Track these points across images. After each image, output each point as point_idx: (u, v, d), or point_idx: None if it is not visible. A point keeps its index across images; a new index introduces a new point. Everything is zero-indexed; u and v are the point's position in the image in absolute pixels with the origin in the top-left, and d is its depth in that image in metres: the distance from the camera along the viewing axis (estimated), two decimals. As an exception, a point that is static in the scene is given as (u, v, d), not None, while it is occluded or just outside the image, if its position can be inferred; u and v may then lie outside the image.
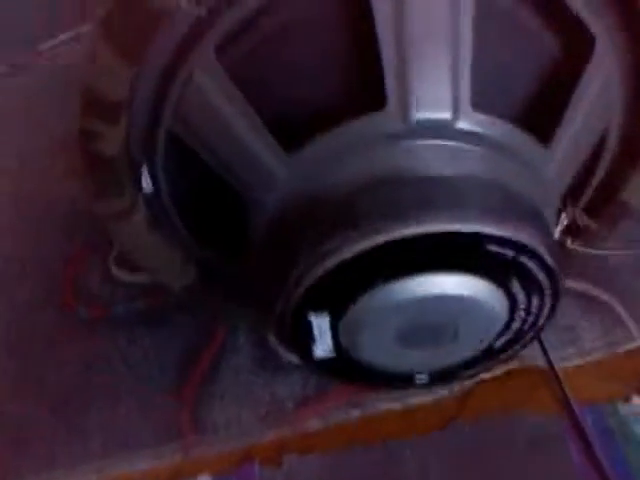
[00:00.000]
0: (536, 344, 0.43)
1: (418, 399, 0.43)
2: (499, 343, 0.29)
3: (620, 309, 0.45)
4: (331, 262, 0.24)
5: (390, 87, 0.25)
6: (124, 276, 0.52)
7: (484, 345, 0.29)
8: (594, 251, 0.36)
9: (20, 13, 0.79)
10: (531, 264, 0.25)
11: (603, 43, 0.28)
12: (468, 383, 0.43)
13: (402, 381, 0.31)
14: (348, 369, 0.30)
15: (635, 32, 0.29)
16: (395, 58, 0.25)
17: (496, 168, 0.26)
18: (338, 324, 0.27)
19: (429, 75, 0.25)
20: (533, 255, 0.24)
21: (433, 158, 0.25)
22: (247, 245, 0.31)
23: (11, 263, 0.54)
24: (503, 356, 0.30)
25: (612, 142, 0.34)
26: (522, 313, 0.27)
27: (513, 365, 0.43)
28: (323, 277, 0.25)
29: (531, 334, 0.29)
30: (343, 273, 0.25)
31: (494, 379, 0.43)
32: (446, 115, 0.25)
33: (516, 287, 0.26)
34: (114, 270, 0.53)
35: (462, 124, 0.26)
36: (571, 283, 0.47)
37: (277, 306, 0.27)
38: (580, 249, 0.35)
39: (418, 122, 0.25)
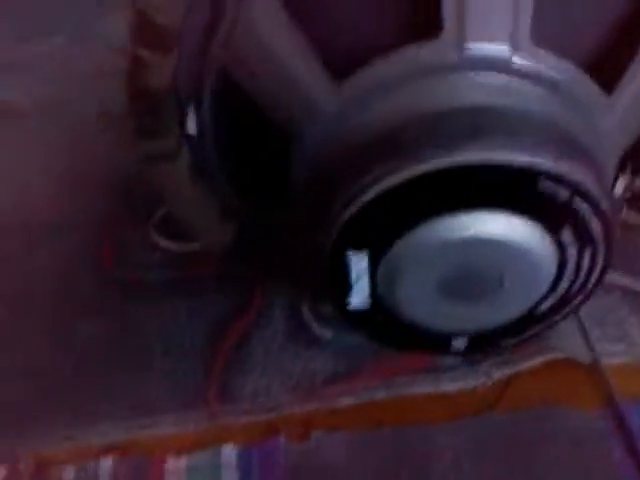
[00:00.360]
0: (579, 337, 0.41)
1: (454, 385, 0.41)
2: (544, 306, 0.27)
3: (673, 305, 0.43)
4: (370, 194, 0.23)
5: (447, 15, 0.24)
6: (163, 242, 0.52)
7: (529, 305, 0.27)
8: None
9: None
10: (586, 209, 0.23)
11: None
12: (506, 372, 0.41)
13: (438, 345, 0.30)
14: (382, 325, 0.29)
15: None
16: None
17: (554, 109, 0.25)
18: (377, 266, 0.25)
19: (489, 4, 0.24)
20: (588, 199, 0.23)
21: (487, 91, 0.24)
22: (288, 189, 0.30)
23: (48, 227, 0.55)
24: (546, 323, 0.28)
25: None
26: (572, 270, 0.26)
27: (554, 356, 0.41)
28: (363, 211, 0.24)
29: (579, 299, 0.27)
30: (384, 208, 0.24)
31: (534, 371, 0.41)
32: (504, 47, 0.24)
33: (567, 236, 0.24)
34: (153, 236, 0.52)
35: (521, 60, 0.24)
36: (619, 278, 0.44)
37: (316, 244, 0.26)
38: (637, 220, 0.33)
39: (474, 54, 0.24)
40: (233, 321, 0.46)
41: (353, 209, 0.24)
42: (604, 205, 0.23)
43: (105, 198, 0.56)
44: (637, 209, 0.33)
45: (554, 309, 0.28)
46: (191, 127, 0.33)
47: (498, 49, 0.24)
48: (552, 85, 0.25)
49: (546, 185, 0.22)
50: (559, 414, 0.39)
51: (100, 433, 0.40)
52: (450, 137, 0.22)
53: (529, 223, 0.24)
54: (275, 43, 0.27)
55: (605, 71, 0.26)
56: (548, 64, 0.25)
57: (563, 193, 0.23)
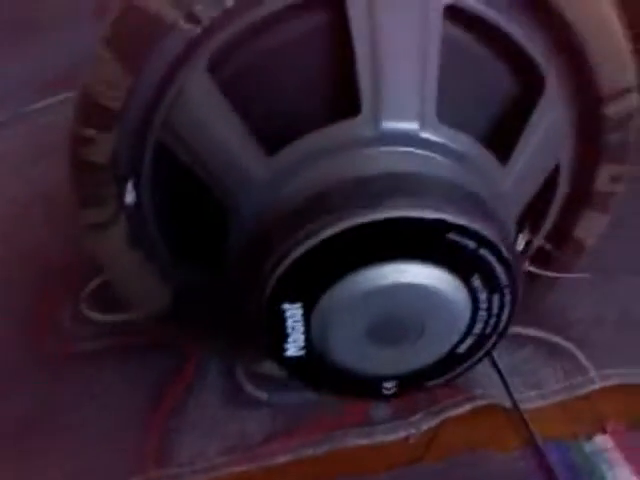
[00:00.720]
0: (501, 386, 0.45)
1: (386, 437, 0.43)
2: (463, 347, 0.30)
3: (580, 355, 0.47)
4: (303, 248, 0.26)
5: (364, 97, 0.28)
6: (95, 316, 0.52)
7: (449, 346, 0.30)
8: (550, 274, 0.38)
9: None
10: (490, 258, 0.27)
11: (552, 84, 0.32)
12: (434, 423, 0.43)
13: (370, 390, 0.32)
14: (317, 371, 0.30)
15: (578, 82, 0.33)
16: (369, 72, 0.28)
17: (458, 175, 0.28)
18: (310, 316, 0.28)
19: (399, 89, 0.28)
20: (492, 248, 0.26)
21: (400, 160, 0.28)
22: (224, 254, 0.32)
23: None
24: (467, 363, 0.31)
25: (564, 181, 0.37)
26: (484, 314, 0.29)
27: (479, 403, 0.44)
28: (294, 266, 0.26)
29: (493, 339, 0.30)
30: (313, 262, 0.26)
31: (460, 418, 0.43)
32: (413, 125, 0.28)
33: (477, 283, 0.28)
34: (85, 310, 0.53)
35: (428, 134, 0.28)
36: (534, 332, 0.49)
37: (252, 300, 0.28)
38: (538, 272, 0.37)
39: (388, 130, 0.28)
40: (168, 386, 0.46)
41: (286, 264, 0.26)
42: (505, 253, 0.27)
43: (34, 278, 0.56)
44: (540, 263, 0.38)
45: (472, 349, 0.31)
46: (129, 198, 0.35)
47: (408, 126, 0.28)
48: (455, 155, 0.29)
49: (454, 237, 0.26)
50: (484, 458, 0.42)
51: None
52: (369, 198, 0.26)
53: (443, 271, 0.27)
54: (211, 122, 0.30)
55: (500, 145, 0.31)
56: (451, 138, 0.29)
57: (469, 243, 0.26)
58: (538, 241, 0.36)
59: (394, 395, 0.32)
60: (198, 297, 0.39)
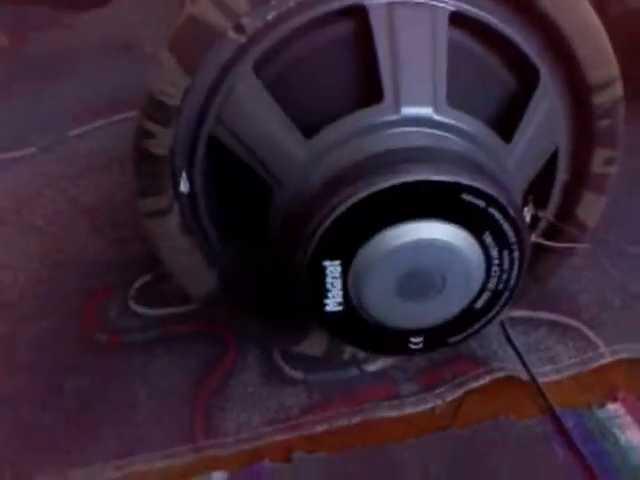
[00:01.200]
0: (518, 360, 0.49)
1: (415, 409, 0.47)
2: (480, 303, 0.35)
3: (590, 334, 0.51)
4: (340, 209, 0.31)
5: (386, 87, 0.33)
6: (141, 310, 0.57)
7: (467, 301, 0.34)
8: (556, 244, 0.43)
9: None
10: (498, 216, 0.31)
11: (546, 77, 0.38)
12: (458, 394, 0.47)
13: (399, 344, 0.36)
14: (353, 326, 0.35)
15: (569, 75, 0.39)
16: (390, 67, 0.33)
17: (469, 150, 0.34)
18: (347, 273, 0.32)
19: (415, 80, 0.34)
20: (499, 207, 0.31)
21: (418, 138, 0.33)
22: (268, 227, 0.37)
23: (34, 299, 0.59)
24: (484, 320, 0.36)
25: (563, 165, 0.42)
26: (497, 269, 0.33)
27: (498, 375, 0.48)
28: (334, 224, 0.31)
29: (506, 295, 0.35)
30: (350, 221, 0.31)
31: (481, 389, 0.47)
32: (428, 109, 0.34)
33: (489, 240, 0.32)
34: (132, 305, 0.58)
35: (440, 117, 0.34)
36: (547, 315, 0.53)
37: (295, 260, 0.33)
38: (543, 242, 0.42)
39: (407, 114, 0.33)
40: (211, 370, 0.50)
41: (326, 224, 0.31)
42: (512, 213, 0.31)
43: (83, 280, 0.61)
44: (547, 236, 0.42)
45: (488, 305, 0.35)
46: (184, 187, 0.40)
47: (424, 110, 0.34)
48: (465, 134, 0.34)
49: (467, 197, 0.31)
50: (505, 425, 0.45)
51: (92, 473, 0.43)
52: (395, 165, 0.31)
53: (458, 228, 0.32)
54: (258, 114, 0.36)
55: (503, 127, 0.36)
56: (461, 120, 0.34)
57: (480, 203, 0.31)
58: (545, 216, 0.41)
59: (421, 350, 0.37)
60: (242, 278, 0.44)
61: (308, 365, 0.50)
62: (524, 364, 0.48)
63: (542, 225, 0.44)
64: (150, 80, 0.36)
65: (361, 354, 0.50)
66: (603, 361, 0.49)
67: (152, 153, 0.38)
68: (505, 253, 0.33)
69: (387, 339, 0.36)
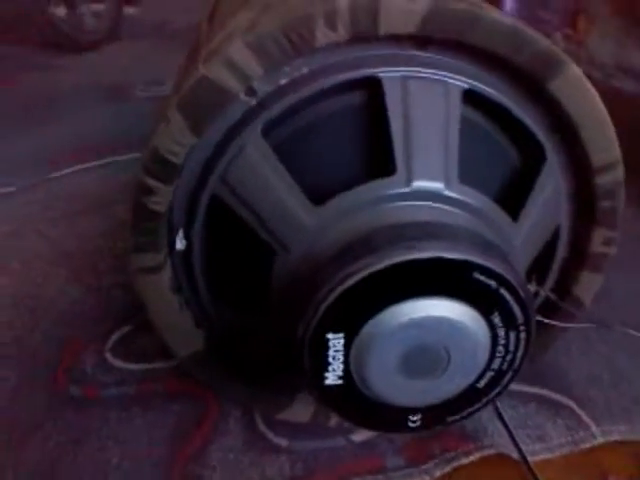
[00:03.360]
0: (507, 438, 0.48)
1: (401, 483, 0.45)
2: (482, 383, 0.34)
3: (581, 412, 0.50)
4: (349, 282, 0.30)
5: (399, 159, 0.33)
6: (118, 364, 0.55)
7: (470, 380, 0.33)
8: (555, 323, 0.42)
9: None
10: (509, 297, 0.31)
11: (552, 157, 0.38)
12: (447, 469, 0.46)
13: (397, 422, 0.35)
14: (352, 402, 0.34)
15: (573, 156, 0.39)
16: (402, 140, 0.33)
17: (478, 227, 0.33)
18: (351, 345, 0.31)
19: (427, 154, 0.34)
20: (510, 288, 0.31)
21: (430, 212, 0.33)
22: (267, 297, 0.36)
23: (3, 347, 0.56)
24: (484, 400, 0.35)
25: (563, 243, 0.42)
26: (502, 350, 0.33)
27: (488, 452, 0.47)
28: (342, 296, 0.30)
29: (509, 376, 0.34)
30: (358, 295, 0.30)
31: (470, 466, 0.46)
32: (440, 184, 0.33)
33: (497, 320, 0.32)
34: (110, 358, 0.55)
35: (451, 192, 0.34)
36: (537, 390, 0.53)
37: (298, 330, 0.32)
38: (544, 320, 0.41)
39: (418, 187, 0.33)
40: (189, 433, 0.48)
41: (334, 296, 0.30)
42: (522, 294, 0.31)
43: (60, 328, 0.59)
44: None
45: (489, 386, 0.34)
46: (180, 244, 0.39)
47: (435, 185, 0.34)
48: (475, 211, 0.34)
49: (478, 276, 0.30)
50: (495, 506, 0.44)
51: None
52: (405, 241, 0.30)
53: (467, 307, 0.31)
54: (265, 178, 0.35)
55: (510, 205, 0.36)
56: (471, 196, 0.34)
57: (492, 283, 0.30)
58: (543, 292, 0.40)
59: (418, 429, 0.35)
60: (231, 342, 0.43)
61: (293, 431, 0.48)
62: (515, 443, 0.47)
63: (538, 301, 0.44)
64: (156, 137, 0.35)
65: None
66: (595, 442, 0.48)
67: (151, 210, 0.37)
68: (512, 334, 0.32)
69: (385, 416, 0.35)
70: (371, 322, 0.31)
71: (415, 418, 0.35)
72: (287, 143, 0.36)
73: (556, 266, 0.43)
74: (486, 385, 0.34)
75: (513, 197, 0.37)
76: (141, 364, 0.55)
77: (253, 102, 0.36)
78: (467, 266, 0.30)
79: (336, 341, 0.31)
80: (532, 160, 0.38)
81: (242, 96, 0.35)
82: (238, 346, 0.43)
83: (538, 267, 0.42)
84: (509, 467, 0.46)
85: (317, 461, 0.46)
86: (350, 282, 0.30)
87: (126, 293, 0.64)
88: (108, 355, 0.56)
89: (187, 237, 0.39)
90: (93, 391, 0.52)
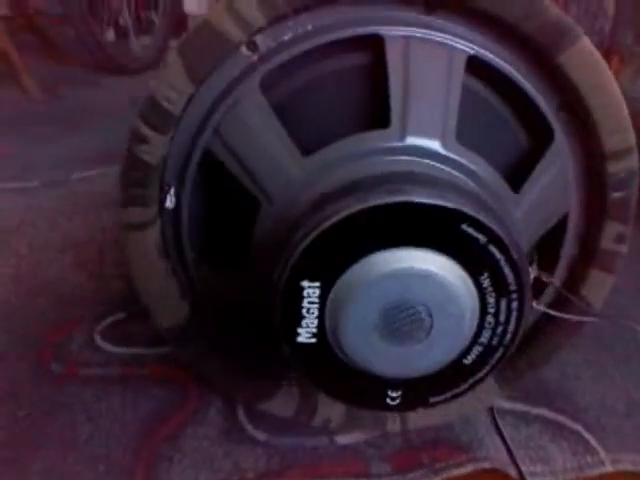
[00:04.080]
0: (505, 455, 0.44)
1: (384, 488, 0.41)
2: (469, 358, 0.31)
3: (589, 437, 0.46)
4: (327, 224, 0.28)
5: (394, 114, 0.32)
6: (105, 346, 0.53)
7: (456, 352, 0.30)
8: (559, 314, 0.39)
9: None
10: (499, 256, 0.29)
11: (560, 137, 0.36)
12: (436, 480, 0.42)
13: (374, 397, 0.32)
14: (325, 365, 0.31)
15: (584, 141, 0.37)
16: (400, 95, 0.32)
17: (474, 188, 0.31)
18: (326, 298, 0.29)
19: (425, 111, 0.32)
20: (501, 246, 0.28)
21: (422, 166, 0.31)
22: (250, 252, 0.35)
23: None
24: (471, 380, 0.32)
25: (571, 238, 0.40)
26: (492, 320, 0.30)
27: (481, 466, 0.42)
28: (319, 239, 0.28)
29: (499, 353, 0.31)
30: (336, 239, 0.28)
31: (462, 478, 0.42)
32: (435, 142, 0.32)
33: (486, 283, 0.29)
34: (98, 340, 0.54)
35: (447, 152, 0.32)
36: (542, 411, 0.49)
37: (274, 277, 0.30)
38: (546, 310, 0.38)
39: (412, 143, 0.32)
40: (166, 417, 0.45)
41: (310, 238, 0.28)
42: (514, 254, 0.29)
43: (56, 309, 0.58)
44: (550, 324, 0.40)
45: (477, 363, 0.31)
46: (169, 202, 0.38)
47: (431, 143, 0.32)
48: (470, 173, 0.32)
49: (466, 228, 0.28)
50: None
51: None
52: (392, 185, 0.28)
53: (455, 264, 0.29)
54: (258, 129, 0.34)
55: (514, 178, 0.34)
56: (468, 159, 0.32)
57: (480, 237, 0.28)
58: (548, 280, 0.38)
59: (398, 408, 0.32)
60: (215, 310, 0.41)
61: (274, 427, 0.45)
62: (512, 458, 0.43)
63: (545, 299, 0.41)
64: (154, 83, 0.35)
65: (334, 423, 0.45)
66: (604, 469, 0.43)
67: (143, 160, 0.36)
68: (503, 302, 0.30)
69: (362, 387, 0.32)
70: (349, 271, 0.29)
71: (395, 394, 0.32)
72: (286, 99, 0.35)
73: (563, 263, 0.40)
74: (473, 362, 0.31)
75: (517, 172, 0.35)
76: (128, 348, 0.53)
77: (254, 58, 0.35)
78: (455, 216, 0.28)
79: (311, 290, 0.29)
80: (539, 138, 0.36)
81: (244, 50, 0.35)
82: (222, 321, 0.41)
83: (545, 262, 0.39)
84: (504, 484, 0.42)
85: (295, 458, 0.43)
86: (327, 224, 0.28)
87: (126, 284, 0.63)
88: (97, 337, 0.54)
89: (177, 196, 0.38)
90: (74, 369, 0.50)
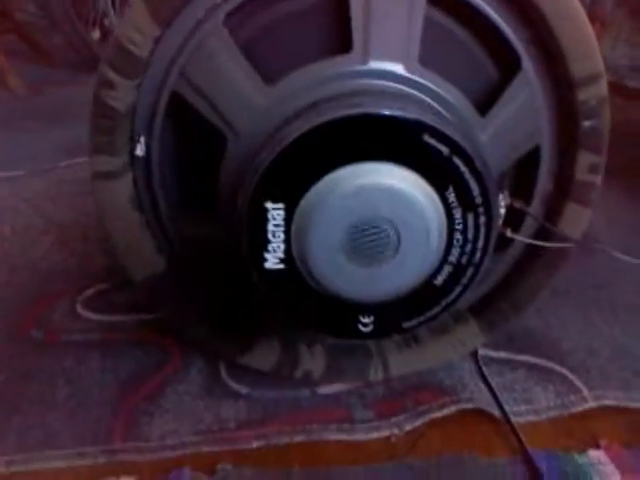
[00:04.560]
0: (489, 396, 0.43)
1: (367, 435, 0.41)
2: (439, 279, 0.31)
3: (573, 378, 0.46)
4: (286, 141, 0.28)
5: (356, 38, 0.32)
6: (87, 314, 0.53)
7: (425, 272, 0.30)
8: (533, 241, 0.39)
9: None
10: (463, 168, 0.28)
11: (527, 66, 0.36)
12: (418, 424, 0.41)
13: (346, 324, 0.32)
14: (295, 292, 0.31)
15: (553, 71, 0.37)
16: (362, 19, 0.32)
17: (437, 107, 0.31)
18: (292, 218, 0.29)
19: (387, 35, 0.32)
20: (465, 157, 0.28)
21: (384, 86, 0.31)
22: (218, 194, 0.35)
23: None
24: (444, 302, 0.31)
25: (545, 173, 0.40)
26: (460, 237, 0.30)
27: (465, 406, 0.42)
28: (280, 159, 0.28)
29: (469, 273, 0.31)
30: (297, 158, 0.28)
31: (446, 421, 0.41)
32: (398, 65, 0.32)
33: (452, 197, 0.29)
34: (79, 309, 0.53)
35: (410, 75, 0.32)
36: (527, 358, 0.48)
37: (239, 204, 0.30)
38: (519, 238, 0.38)
39: (375, 67, 0.32)
40: (146, 378, 0.45)
41: (270, 158, 0.28)
42: (479, 165, 0.28)
43: (40, 283, 0.58)
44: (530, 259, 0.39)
45: (448, 283, 0.31)
46: (140, 150, 0.38)
47: (394, 66, 0.32)
48: (435, 95, 0.32)
49: (429, 139, 0.28)
50: (469, 461, 0.39)
51: (5, 463, 0.37)
52: (352, 99, 0.28)
53: (418, 177, 0.28)
54: (223, 65, 0.34)
55: (479, 103, 0.34)
56: (434, 82, 0.32)
57: (444, 149, 0.28)
58: (520, 206, 0.37)
59: (371, 334, 0.32)
60: (190, 260, 0.41)
61: (255, 381, 0.45)
62: (495, 397, 0.43)
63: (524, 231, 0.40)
64: (118, 25, 0.35)
65: (315, 374, 0.44)
66: (586, 405, 0.43)
67: (111, 106, 0.36)
68: (470, 217, 0.30)
69: (332, 313, 0.32)
70: (312, 190, 0.29)
71: (367, 320, 0.32)
72: (251, 39, 0.35)
73: (539, 199, 0.40)
74: (444, 282, 0.31)
75: (486, 99, 0.35)
76: (109, 315, 0.52)
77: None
78: (415, 126, 0.28)
79: (276, 212, 0.29)
80: (508, 68, 0.36)
81: (208, -8, 0.35)
82: (198, 273, 0.41)
83: (521, 199, 0.39)
84: (487, 424, 0.42)
85: (277, 408, 0.43)
86: (287, 141, 0.28)
87: (109, 258, 0.62)
88: (79, 306, 0.54)
89: (147, 145, 0.38)
90: (54, 336, 0.50)
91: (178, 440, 0.39)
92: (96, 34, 1.55)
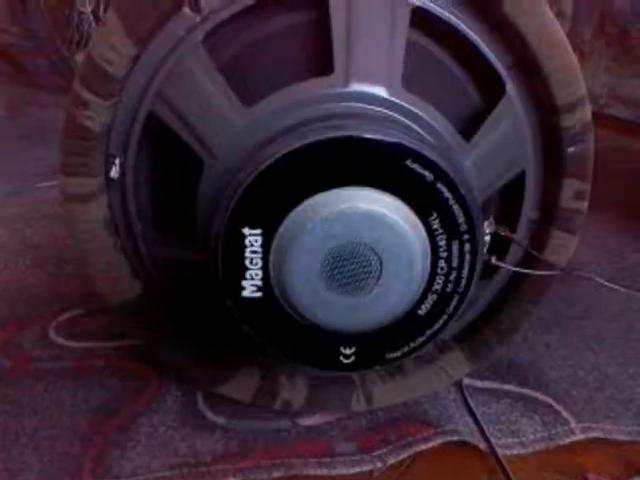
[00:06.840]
0: (475, 429, 0.42)
1: (349, 469, 0.39)
2: (424, 308, 0.30)
3: (560, 408, 0.45)
4: (264, 166, 0.27)
5: (337, 60, 0.31)
6: (59, 340, 0.51)
7: (408, 301, 0.29)
8: (518, 269, 0.38)
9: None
10: (448, 194, 0.27)
11: (511, 91, 0.36)
12: (402, 457, 0.40)
13: (327, 355, 0.31)
14: (273, 321, 0.30)
15: (537, 98, 0.37)
16: (343, 38, 0.31)
17: (420, 131, 0.30)
18: (269, 245, 0.28)
19: (368, 57, 0.31)
20: (449, 183, 0.27)
21: (366, 110, 0.30)
22: (194, 218, 0.33)
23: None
24: (428, 332, 0.30)
25: (530, 200, 0.39)
26: (444, 265, 0.29)
27: (450, 439, 0.41)
28: (256, 186, 0.27)
29: (454, 301, 0.30)
30: (275, 184, 0.27)
31: (431, 454, 0.40)
32: (380, 88, 0.31)
33: (436, 224, 0.28)
34: (52, 335, 0.51)
35: (392, 98, 0.31)
36: (513, 388, 0.47)
37: (215, 229, 0.29)
38: (504, 266, 0.37)
39: (357, 89, 0.31)
40: (120, 407, 0.43)
41: (248, 182, 0.27)
42: (463, 191, 0.27)
43: (13, 307, 0.56)
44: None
45: (433, 313, 0.30)
46: (114, 172, 0.37)
47: (376, 89, 0.31)
48: (418, 118, 0.31)
49: (411, 165, 0.27)
50: (455, 497, 0.38)
51: None
52: (336, 122, 0.27)
53: (401, 203, 0.27)
54: (201, 86, 0.33)
55: (465, 128, 0.33)
56: (417, 106, 0.32)
57: (427, 174, 0.27)
58: (505, 233, 0.37)
59: (353, 366, 0.31)
60: (167, 283, 0.39)
61: (234, 411, 0.43)
62: (481, 430, 0.42)
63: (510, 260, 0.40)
64: (94, 43, 0.34)
65: (296, 405, 0.43)
66: (574, 438, 0.42)
67: (84, 126, 0.35)
68: (454, 244, 0.29)
69: (312, 344, 0.30)
70: (291, 215, 0.28)
71: (349, 352, 0.31)
72: (231, 60, 0.34)
73: (525, 228, 0.40)
74: (428, 312, 0.30)
75: (469, 125, 0.34)
76: (83, 342, 0.51)
77: (197, 19, 0.34)
78: (398, 150, 0.27)
79: (253, 239, 0.28)
80: (491, 93, 0.36)
81: (186, 10, 0.34)
82: (174, 300, 0.40)
83: (506, 222, 0.39)
84: (473, 457, 0.40)
85: (255, 441, 0.41)
86: (265, 165, 0.27)
87: (85, 282, 0.60)
88: (51, 332, 0.52)
89: (122, 166, 0.37)
90: (24, 365, 0.48)
91: (151, 475, 0.37)
92: (80, 57, 1.54)
